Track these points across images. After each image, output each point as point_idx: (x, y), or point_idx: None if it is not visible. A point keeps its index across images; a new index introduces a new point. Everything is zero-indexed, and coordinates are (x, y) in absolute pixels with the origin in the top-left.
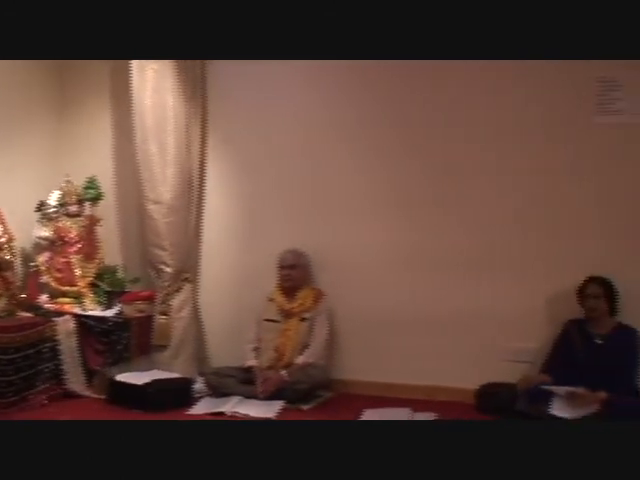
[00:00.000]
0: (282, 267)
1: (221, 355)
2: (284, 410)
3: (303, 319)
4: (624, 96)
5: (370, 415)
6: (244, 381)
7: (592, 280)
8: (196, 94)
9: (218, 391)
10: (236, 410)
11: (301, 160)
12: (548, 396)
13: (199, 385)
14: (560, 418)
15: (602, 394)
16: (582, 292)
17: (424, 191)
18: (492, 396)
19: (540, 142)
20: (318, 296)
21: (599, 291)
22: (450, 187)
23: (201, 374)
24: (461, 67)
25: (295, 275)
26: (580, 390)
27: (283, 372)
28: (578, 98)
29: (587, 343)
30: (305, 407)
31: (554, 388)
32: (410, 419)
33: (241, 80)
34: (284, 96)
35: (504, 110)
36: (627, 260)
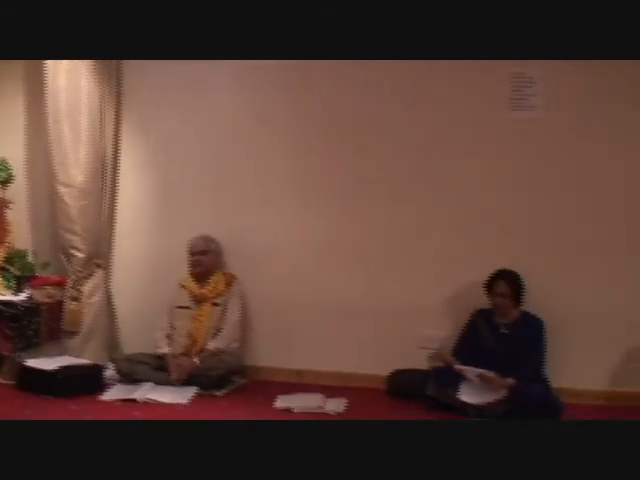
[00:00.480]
0: (192, 253)
1: (133, 342)
2: (197, 396)
3: (215, 304)
4: (537, 92)
5: (283, 401)
6: (157, 368)
7: (501, 277)
8: (111, 77)
9: (130, 378)
10: (148, 397)
11: (217, 146)
12: (457, 381)
13: (110, 372)
14: (468, 404)
15: (510, 380)
16: (490, 288)
17: (340, 181)
18: (403, 382)
19: (455, 138)
20: (230, 281)
21: (507, 290)
22: (367, 179)
23: (112, 361)
24: (379, 67)
25: (206, 261)
26: (490, 374)
27: (195, 359)
28: (493, 95)
29: (493, 332)
30: (219, 393)
31: (466, 368)
32: (322, 405)
33: (157, 64)
34: (203, 81)
35: (421, 108)
36: (531, 252)
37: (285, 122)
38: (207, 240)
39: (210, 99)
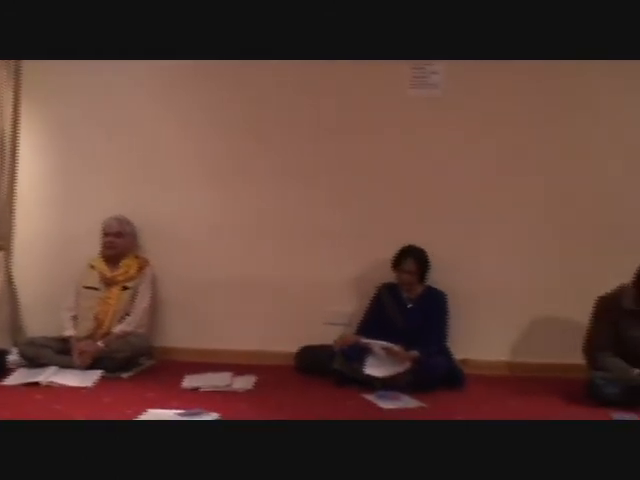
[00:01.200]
0: (106, 234)
1: (37, 325)
2: (103, 379)
3: (125, 288)
4: (439, 70)
5: (190, 381)
6: (61, 351)
7: (408, 254)
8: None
9: (35, 362)
10: (52, 380)
11: (128, 127)
12: (362, 356)
13: (14, 356)
14: (373, 377)
15: (414, 353)
16: (397, 265)
17: (245, 159)
18: (310, 357)
19: (356, 114)
20: (142, 265)
21: (413, 268)
22: (279, 161)
23: (16, 345)
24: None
25: (120, 243)
26: (395, 347)
27: (100, 342)
28: (394, 72)
29: (399, 307)
30: (125, 375)
31: (371, 342)
32: (230, 383)
33: None
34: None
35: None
36: (437, 229)
37: (187, 107)
38: (122, 222)
39: (110, 81)
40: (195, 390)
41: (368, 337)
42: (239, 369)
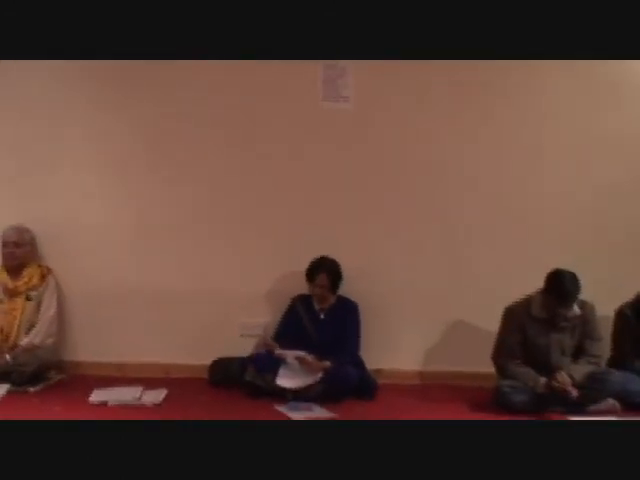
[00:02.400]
0: (5, 244)
1: None
2: (10, 393)
3: (29, 298)
4: (351, 83)
5: (98, 395)
6: None
7: (320, 268)
8: None
9: None
10: None
11: (20, 127)
12: (275, 366)
13: None
14: (284, 388)
15: (326, 363)
16: (311, 278)
17: (169, 169)
18: (224, 370)
19: (269, 129)
20: (45, 273)
21: (325, 282)
22: (193, 168)
23: None
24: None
25: (19, 253)
26: (307, 357)
27: (7, 355)
28: (306, 84)
29: (312, 318)
30: (32, 389)
31: (285, 352)
32: (138, 397)
33: None
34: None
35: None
36: (347, 241)
37: (87, 108)
38: (20, 231)
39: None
40: (103, 404)
41: (283, 348)
42: (151, 383)
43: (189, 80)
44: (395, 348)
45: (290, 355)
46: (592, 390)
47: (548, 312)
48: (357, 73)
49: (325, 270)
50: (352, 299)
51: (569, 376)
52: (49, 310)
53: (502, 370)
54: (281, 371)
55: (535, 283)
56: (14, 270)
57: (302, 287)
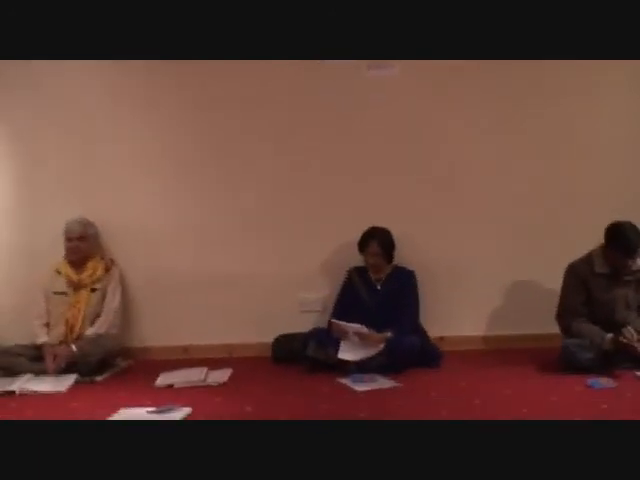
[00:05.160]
0: (69, 239)
1: (9, 334)
2: (77, 383)
3: (93, 290)
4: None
5: (164, 379)
6: (35, 359)
7: (371, 237)
8: None
9: (10, 371)
10: (26, 387)
11: (82, 130)
12: (336, 340)
13: None
14: (347, 361)
15: (387, 334)
16: (363, 248)
17: (209, 155)
18: (286, 346)
19: (309, 102)
20: (108, 266)
21: (378, 250)
22: (235, 152)
23: None
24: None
25: (83, 247)
26: (366, 330)
27: (73, 346)
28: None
29: (369, 289)
30: (99, 378)
31: (343, 324)
32: (204, 378)
33: None
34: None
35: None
36: (402, 212)
37: (144, 108)
38: (84, 224)
39: (62, 84)
40: (169, 387)
41: (343, 320)
42: (216, 363)
43: (250, 80)
44: (457, 315)
45: (350, 329)
46: None
47: (611, 266)
48: None
49: (375, 238)
50: (409, 268)
51: (636, 331)
52: (113, 301)
53: (567, 329)
54: (342, 345)
55: (594, 239)
56: (78, 263)
57: (358, 259)
